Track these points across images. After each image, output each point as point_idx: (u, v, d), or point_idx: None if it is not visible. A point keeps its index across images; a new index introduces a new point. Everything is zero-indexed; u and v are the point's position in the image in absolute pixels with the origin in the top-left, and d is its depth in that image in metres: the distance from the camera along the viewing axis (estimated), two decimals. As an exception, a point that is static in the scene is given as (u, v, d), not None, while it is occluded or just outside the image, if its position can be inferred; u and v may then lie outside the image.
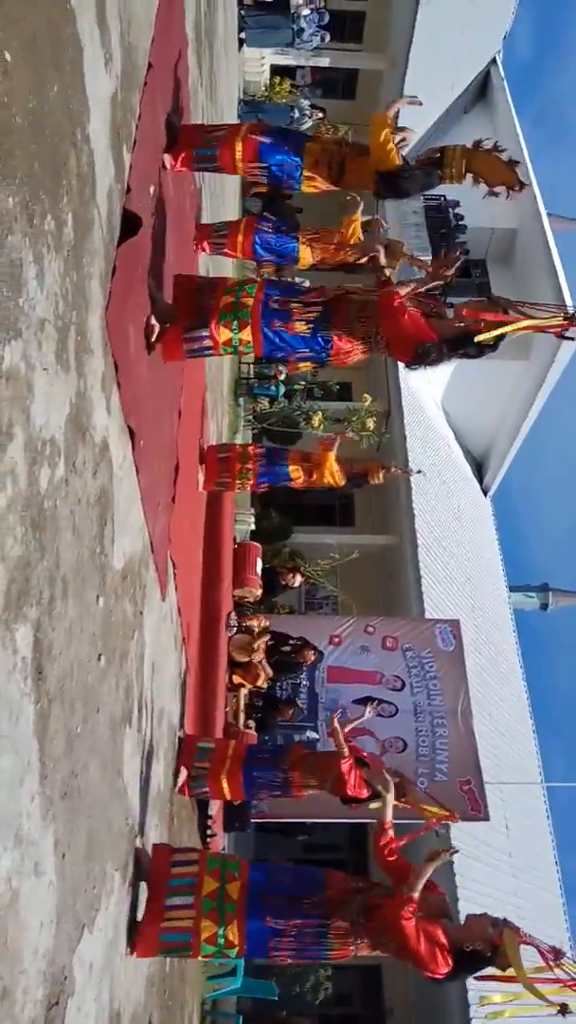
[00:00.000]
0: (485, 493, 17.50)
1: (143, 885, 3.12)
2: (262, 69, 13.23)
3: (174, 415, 4.31)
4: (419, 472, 6.77)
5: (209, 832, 5.75)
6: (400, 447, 13.53)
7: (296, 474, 5.75)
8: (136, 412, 2.86)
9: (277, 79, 11.88)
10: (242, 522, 10.07)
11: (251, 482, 5.74)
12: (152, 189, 3.10)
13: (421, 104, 4.08)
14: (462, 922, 3.07)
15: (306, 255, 4.40)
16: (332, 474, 5.85)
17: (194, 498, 5.48)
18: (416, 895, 2.92)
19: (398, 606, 12.36)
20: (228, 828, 6.61)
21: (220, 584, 6.31)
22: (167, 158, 3.65)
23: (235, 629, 6.93)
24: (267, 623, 7.29)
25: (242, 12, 9.76)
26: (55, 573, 1.89)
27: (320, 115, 12.29)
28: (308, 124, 12.32)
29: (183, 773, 4.28)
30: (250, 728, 6.67)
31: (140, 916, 3.05)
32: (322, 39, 10.77)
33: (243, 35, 9.93)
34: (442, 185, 3.85)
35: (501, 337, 3.39)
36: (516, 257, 15.96)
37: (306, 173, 3.71)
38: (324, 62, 12.05)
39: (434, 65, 14.34)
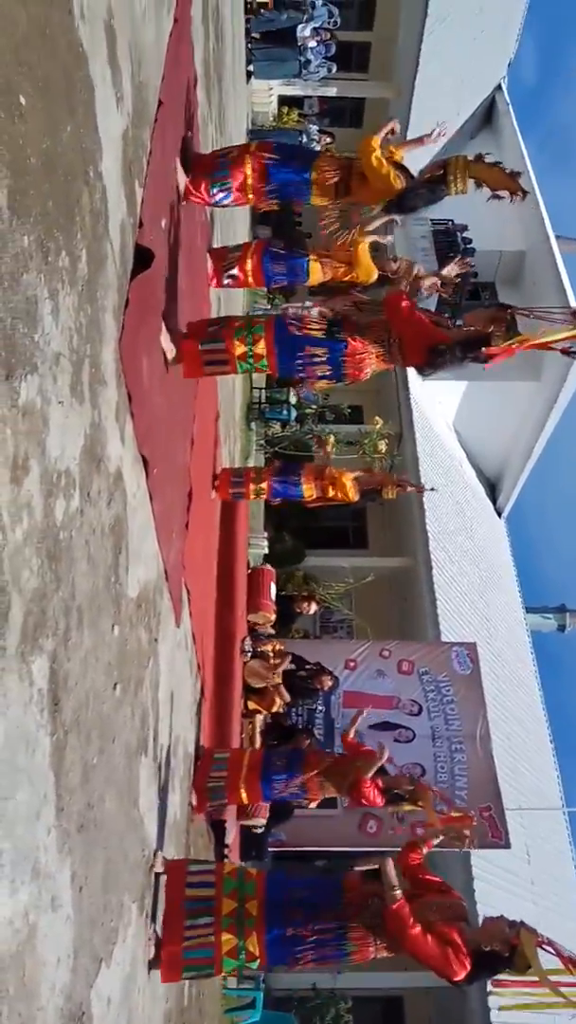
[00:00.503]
0: (499, 514, 17.43)
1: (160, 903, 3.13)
2: (270, 100, 13.46)
3: (187, 442, 4.34)
4: (432, 489, 6.71)
5: (227, 861, 5.70)
6: (412, 469, 13.52)
7: (309, 491, 5.73)
8: (150, 441, 2.89)
9: (285, 109, 12.09)
10: (255, 546, 10.07)
11: (265, 495, 5.79)
12: (164, 222, 3.15)
13: (395, 133, 4.09)
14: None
15: (316, 271, 4.46)
16: (346, 490, 5.82)
17: (208, 523, 5.50)
18: (398, 895, 2.98)
19: (413, 629, 12.28)
20: (245, 857, 6.54)
21: (234, 609, 6.30)
22: (182, 180, 3.75)
23: (250, 654, 6.91)
24: (283, 647, 7.26)
25: (249, 45, 9.96)
26: (70, 603, 1.90)
27: (329, 140, 12.48)
28: (316, 149, 12.50)
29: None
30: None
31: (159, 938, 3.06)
32: (329, 70, 10.95)
33: (251, 67, 10.12)
34: (449, 197, 3.87)
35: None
36: (525, 279, 16.03)
37: (315, 189, 3.80)
38: (331, 91, 12.26)
39: (440, 92, 14.55)
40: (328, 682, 7.55)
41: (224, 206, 4.12)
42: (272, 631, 7.90)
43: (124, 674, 2.52)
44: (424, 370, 3.56)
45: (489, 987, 7.56)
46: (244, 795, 4.41)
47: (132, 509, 2.65)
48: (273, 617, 7.74)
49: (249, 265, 4.29)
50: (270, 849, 7.23)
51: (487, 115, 17.60)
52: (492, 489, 17.38)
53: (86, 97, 2.02)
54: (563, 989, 2.80)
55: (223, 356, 3.54)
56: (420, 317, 3.43)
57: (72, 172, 1.89)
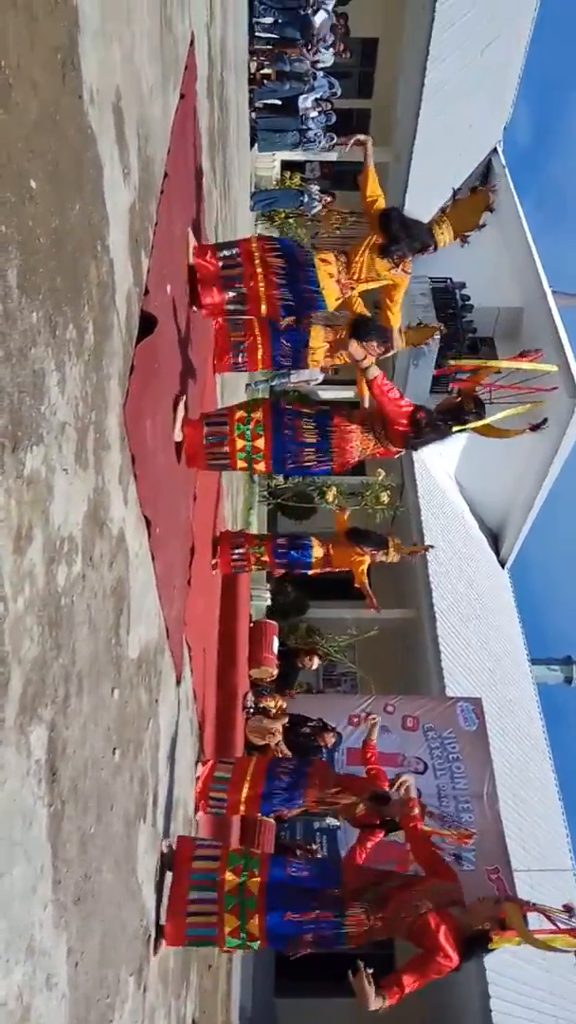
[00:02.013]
0: (502, 565, 17.38)
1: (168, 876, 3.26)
2: (273, 165, 13.91)
3: (189, 498, 4.37)
4: (430, 547, 6.55)
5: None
6: (414, 520, 13.55)
7: (317, 565, 5.44)
8: (152, 501, 2.91)
9: (288, 173, 12.48)
10: (258, 598, 10.03)
11: (269, 567, 5.61)
12: (168, 288, 3.23)
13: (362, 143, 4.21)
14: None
15: (318, 338, 4.54)
16: (360, 573, 5.43)
17: (210, 578, 5.49)
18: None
19: (417, 682, 12.14)
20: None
21: (236, 665, 6.25)
22: (200, 297, 3.95)
23: (252, 710, 6.82)
24: (284, 704, 7.17)
25: (253, 115, 10.33)
26: (70, 670, 1.89)
27: (329, 199, 12.84)
28: (317, 208, 12.85)
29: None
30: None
31: (164, 908, 3.19)
32: (329, 139, 11.34)
33: (255, 139, 10.48)
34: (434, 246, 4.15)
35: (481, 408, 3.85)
36: (523, 334, 16.29)
37: (323, 285, 3.90)
38: (332, 156, 12.67)
39: (438, 156, 15.03)
40: (331, 739, 7.43)
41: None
42: (274, 685, 7.82)
43: (123, 738, 2.50)
44: (409, 440, 3.78)
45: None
46: (243, 811, 4.43)
47: (134, 569, 2.66)
48: (275, 672, 7.66)
49: (260, 354, 4.39)
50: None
51: (484, 176, 18.13)
52: (495, 540, 17.37)
53: (94, 175, 2.10)
54: (553, 938, 2.90)
55: (224, 448, 3.88)
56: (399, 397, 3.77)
57: (80, 247, 1.95)
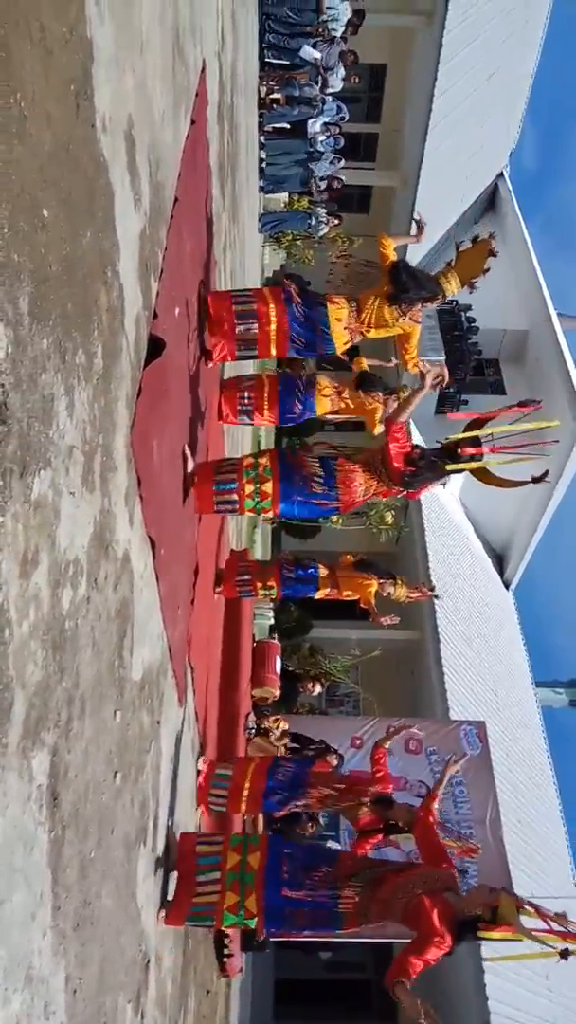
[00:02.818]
0: (507, 586, 17.32)
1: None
2: (281, 187, 14.06)
3: (194, 519, 4.38)
4: (437, 596, 6.29)
5: (226, 952, 5.47)
6: (419, 540, 13.54)
7: (323, 592, 5.33)
8: (158, 522, 2.92)
9: (295, 196, 12.59)
10: (261, 617, 10.00)
11: (275, 595, 5.51)
12: (177, 311, 3.26)
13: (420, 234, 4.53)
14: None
15: (324, 406, 4.64)
16: (368, 595, 5.37)
17: (213, 597, 5.48)
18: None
19: (421, 704, 12.07)
20: (246, 948, 6.27)
21: (239, 686, 6.22)
22: (209, 344, 4.13)
23: (253, 731, 6.78)
24: (287, 725, 7.12)
25: (262, 139, 10.45)
26: (73, 693, 1.89)
27: (336, 222, 12.94)
28: (324, 230, 12.95)
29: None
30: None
31: (172, 894, 3.31)
32: (336, 161, 11.46)
33: (263, 164, 10.60)
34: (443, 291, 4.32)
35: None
36: (528, 356, 16.38)
37: (332, 328, 4.11)
38: (341, 176, 12.82)
39: (444, 180, 15.18)
40: (333, 761, 7.36)
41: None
42: (276, 705, 7.78)
43: (125, 761, 2.49)
44: (406, 479, 3.97)
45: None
46: (244, 810, 4.41)
47: (138, 590, 2.66)
48: (278, 693, 7.62)
49: (267, 414, 4.52)
50: (272, 939, 6.93)
51: (490, 201, 18.31)
52: (499, 561, 17.33)
53: (106, 203, 2.12)
54: (545, 936, 3.00)
55: (233, 495, 4.07)
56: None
57: (91, 274, 1.97)
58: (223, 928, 3.51)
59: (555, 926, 3.04)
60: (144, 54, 2.60)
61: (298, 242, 13.43)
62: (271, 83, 10.43)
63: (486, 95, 15.25)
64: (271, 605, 10.26)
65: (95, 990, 2.15)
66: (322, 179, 11.50)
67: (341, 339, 4.18)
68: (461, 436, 4.05)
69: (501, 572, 17.24)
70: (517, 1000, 9.30)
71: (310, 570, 5.15)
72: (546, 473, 4.14)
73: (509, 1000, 9.07)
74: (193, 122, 3.79)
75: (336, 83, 10.93)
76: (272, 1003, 11.52)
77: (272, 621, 10.70)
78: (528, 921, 3.03)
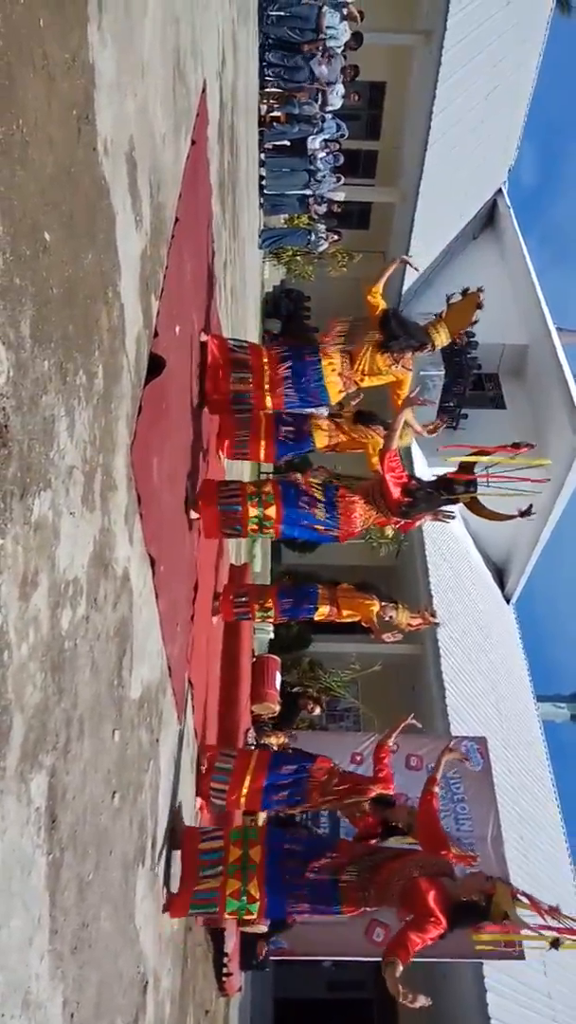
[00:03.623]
0: (507, 600, 17.30)
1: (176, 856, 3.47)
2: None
3: (194, 535, 4.38)
4: (437, 624, 6.26)
5: (225, 971, 5.42)
6: (419, 554, 13.53)
7: (323, 613, 5.23)
8: (157, 540, 2.92)
9: (295, 213, 12.69)
10: (261, 630, 9.97)
11: (273, 618, 5.46)
12: (177, 329, 3.27)
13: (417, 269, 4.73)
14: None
15: (321, 438, 4.68)
16: (369, 613, 5.24)
17: (212, 616, 5.46)
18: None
19: (422, 719, 11.96)
20: (245, 967, 6.21)
21: (238, 701, 6.20)
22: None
23: (253, 747, 6.75)
24: (286, 740, 7.09)
25: (262, 156, 10.55)
26: (72, 714, 1.88)
27: (336, 238, 13.04)
28: (324, 246, 13.04)
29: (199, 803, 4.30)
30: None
31: (176, 887, 3.38)
32: (336, 180, 11.56)
33: (263, 183, 10.68)
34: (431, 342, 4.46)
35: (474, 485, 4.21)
36: (528, 370, 16.44)
37: (327, 379, 4.24)
38: (339, 198, 12.93)
39: (443, 197, 15.28)
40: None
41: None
42: (275, 722, 7.74)
43: (123, 780, 2.47)
44: (403, 509, 4.10)
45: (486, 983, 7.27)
46: (244, 805, 4.43)
47: (137, 608, 2.66)
48: (278, 708, 7.58)
49: (262, 452, 4.58)
50: (271, 958, 6.88)
51: (489, 217, 18.43)
52: (500, 575, 17.31)
53: (107, 225, 2.14)
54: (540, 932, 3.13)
55: (237, 516, 4.21)
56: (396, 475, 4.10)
57: (92, 295, 1.98)
58: (226, 915, 3.52)
59: (551, 921, 3.17)
60: (145, 77, 2.62)
61: (298, 258, 13.51)
62: (271, 101, 10.54)
63: (485, 112, 15.39)
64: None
65: (93, 1014, 2.13)
66: (322, 200, 11.59)
67: (335, 388, 4.32)
68: (456, 470, 4.27)
69: (502, 586, 17.21)
70: (520, 1020, 9.21)
71: (309, 604, 5.11)
72: (531, 507, 4.31)
73: (511, 1020, 8.97)
74: (194, 142, 3.83)
75: (336, 101, 11.04)
76: (272, 1023, 11.39)
77: (272, 636, 10.67)
78: (523, 915, 3.13)
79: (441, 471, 4.54)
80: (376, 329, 4.23)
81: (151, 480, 2.83)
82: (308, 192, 11.14)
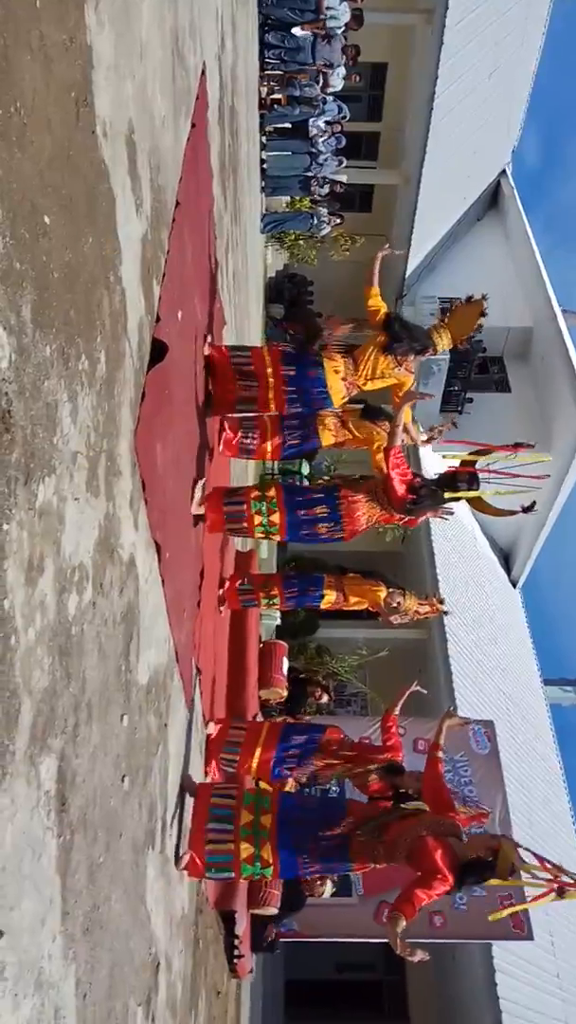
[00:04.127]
0: (514, 584, 17.28)
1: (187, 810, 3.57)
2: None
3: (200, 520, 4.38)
4: (446, 612, 6.16)
5: (236, 953, 5.47)
6: (425, 539, 13.52)
7: (329, 601, 5.10)
8: (163, 526, 2.92)
9: (297, 197, 12.60)
10: (268, 617, 9.99)
11: (279, 605, 5.42)
12: (179, 314, 3.26)
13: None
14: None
15: (328, 438, 4.68)
16: (377, 599, 5.16)
17: (218, 604, 5.47)
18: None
19: (429, 704, 12.02)
20: (256, 949, 6.27)
21: (245, 687, 6.22)
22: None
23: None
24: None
25: (263, 139, 10.46)
26: (80, 698, 1.89)
27: (338, 221, 12.95)
28: (327, 230, 12.96)
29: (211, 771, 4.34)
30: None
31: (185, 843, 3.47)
32: (339, 163, 11.46)
33: (265, 165, 10.60)
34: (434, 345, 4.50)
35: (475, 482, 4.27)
36: (533, 353, 16.34)
37: (329, 384, 4.24)
38: (341, 179, 12.82)
39: (446, 178, 15.14)
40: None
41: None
42: (282, 706, 7.76)
43: (133, 764, 2.49)
44: (407, 506, 4.17)
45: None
46: (255, 771, 4.47)
47: (144, 595, 2.67)
48: (285, 693, 7.61)
49: (269, 451, 4.59)
50: (282, 940, 6.94)
51: (493, 198, 18.27)
52: (506, 559, 17.29)
53: (107, 208, 2.13)
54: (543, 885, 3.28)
55: (243, 524, 4.30)
56: (400, 472, 4.17)
57: (93, 279, 1.98)
58: (242, 878, 3.71)
59: (550, 874, 3.33)
60: (144, 59, 2.60)
61: (300, 242, 13.42)
62: (272, 83, 10.44)
63: (488, 92, 15.22)
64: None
65: (105, 994, 2.16)
66: (324, 181, 11.51)
67: (339, 393, 4.33)
68: (459, 467, 4.35)
69: (508, 570, 17.20)
70: (528, 1000, 9.28)
71: (315, 592, 5.08)
72: (534, 504, 4.37)
73: (520, 1000, 9.05)
74: (194, 125, 3.79)
75: (337, 82, 10.93)
76: (283, 1004, 11.52)
77: (279, 621, 10.70)
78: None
79: (450, 458, 4.57)
80: (379, 332, 4.25)
81: (155, 466, 2.83)
82: (310, 174, 11.05)
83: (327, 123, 11.17)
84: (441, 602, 5.18)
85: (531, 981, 9.48)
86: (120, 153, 2.28)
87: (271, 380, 4.26)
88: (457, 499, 4.29)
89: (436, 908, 7.21)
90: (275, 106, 10.79)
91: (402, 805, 4.09)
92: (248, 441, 4.55)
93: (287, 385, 4.24)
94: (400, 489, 4.10)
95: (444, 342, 4.36)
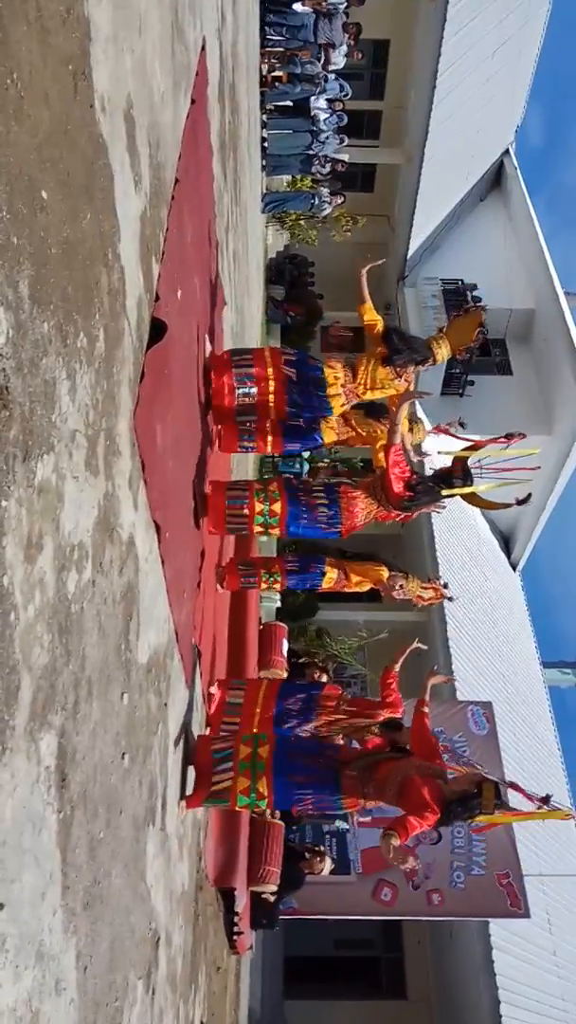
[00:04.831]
0: (514, 567, 17.32)
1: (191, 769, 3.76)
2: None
3: (201, 502, 4.38)
4: (450, 597, 6.09)
5: (236, 930, 5.54)
6: (425, 522, 13.52)
7: (329, 581, 5.11)
8: (162, 506, 2.92)
9: (299, 176, 12.48)
10: (268, 599, 10.02)
11: (280, 586, 5.39)
12: (179, 293, 3.24)
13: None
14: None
15: (330, 435, 4.69)
16: (380, 579, 5.16)
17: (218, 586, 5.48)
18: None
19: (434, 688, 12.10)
20: (256, 925, 6.35)
21: (245, 668, 6.25)
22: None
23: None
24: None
25: (264, 118, 10.34)
26: (80, 676, 1.90)
27: (340, 200, 12.84)
28: (328, 209, 12.85)
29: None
30: (277, 818, 6.47)
31: (190, 787, 3.67)
32: (340, 142, 11.34)
33: (265, 144, 10.49)
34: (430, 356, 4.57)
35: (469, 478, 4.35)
36: (535, 335, 16.25)
37: (330, 392, 4.32)
38: (343, 158, 12.69)
39: (449, 158, 15.00)
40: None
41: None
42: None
43: (133, 742, 2.51)
44: (404, 503, 4.30)
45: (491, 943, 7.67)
46: (256, 730, 4.53)
47: (144, 574, 2.67)
48: (285, 675, 7.64)
49: (269, 447, 4.61)
50: (281, 917, 7.02)
51: (496, 178, 18.10)
52: (506, 543, 17.31)
53: (105, 184, 2.11)
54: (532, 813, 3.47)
55: (244, 512, 4.38)
56: (400, 470, 4.29)
57: (91, 256, 1.96)
58: (237, 807, 3.86)
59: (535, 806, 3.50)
60: (143, 33, 2.57)
61: (301, 222, 13.31)
62: (272, 60, 10.31)
63: (491, 70, 15.03)
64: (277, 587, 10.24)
65: (106, 967, 2.19)
66: (326, 160, 11.40)
67: (338, 401, 4.40)
68: (452, 464, 4.44)
69: (508, 553, 17.23)
70: (525, 977, 9.41)
71: (316, 573, 5.07)
72: (529, 496, 4.49)
73: (517, 977, 9.17)
74: (193, 101, 3.75)
75: (339, 60, 10.78)
76: (282, 980, 11.68)
77: (279, 604, 10.73)
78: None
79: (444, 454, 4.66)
80: (379, 343, 4.33)
81: (155, 447, 2.82)
82: (311, 152, 10.94)
83: (328, 101, 11.04)
84: (445, 586, 5.19)
85: (528, 958, 9.60)
86: (119, 128, 2.26)
87: (272, 380, 4.33)
88: (452, 495, 4.42)
89: (435, 886, 7.30)
90: (276, 84, 10.67)
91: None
92: (248, 444, 4.61)
93: (288, 391, 4.32)
94: (397, 487, 4.23)
95: (443, 352, 4.44)
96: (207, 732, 4.35)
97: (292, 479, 4.62)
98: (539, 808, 3.49)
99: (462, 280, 15.66)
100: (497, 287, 15.52)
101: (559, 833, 12.80)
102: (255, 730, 4.40)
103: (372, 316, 4.38)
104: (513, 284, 15.87)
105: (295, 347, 13.51)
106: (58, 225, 1.70)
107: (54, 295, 1.66)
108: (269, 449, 4.66)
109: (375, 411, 4.96)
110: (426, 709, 4.00)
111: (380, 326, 4.36)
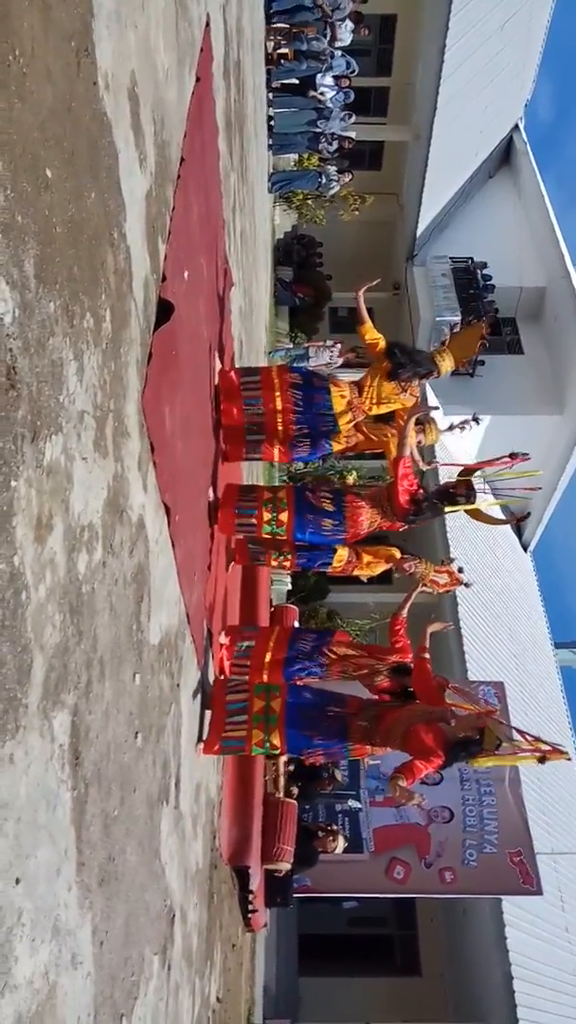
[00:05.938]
0: (525, 548, 17.27)
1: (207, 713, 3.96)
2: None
3: (209, 485, 4.38)
4: (467, 584, 6.00)
5: (251, 908, 5.61)
6: (436, 504, 13.47)
7: (339, 561, 4.97)
8: (172, 488, 2.92)
9: (306, 155, 12.35)
10: (278, 582, 10.04)
11: (289, 566, 5.37)
12: (186, 274, 3.22)
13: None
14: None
15: (342, 410, 4.66)
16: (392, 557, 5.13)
17: (227, 569, 5.49)
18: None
19: (439, 666, 12.08)
20: (270, 904, 6.42)
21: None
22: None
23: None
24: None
25: (270, 96, 10.23)
26: (92, 656, 1.92)
27: (348, 179, 12.70)
28: (336, 188, 12.72)
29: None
30: (291, 797, 6.52)
31: (206, 732, 3.87)
32: (347, 118, 11.20)
33: (272, 122, 10.37)
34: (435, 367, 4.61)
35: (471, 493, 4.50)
36: (546, 314, 16.09)
37: (336, 409, 4.40)
38: (351, 135, 12.53)
39: (458, 134, 14.80)
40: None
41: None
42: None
43: (145, 722, 2.53)
44: (409, 516, 4.39)
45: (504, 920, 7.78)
46: (266, 675, 4.58)
47: (154, 556, 2.68)
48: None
49: (276, 455, 4.65)
50: (295, 895, 7.09)
51: (505, 154, 17.85)
52: (517, 523, 17.24)
53: (110, 163, 2.09)
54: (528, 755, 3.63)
55: (252, 522, 4.49)
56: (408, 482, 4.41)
57: (97, 235, 1.95)
58: (252, 754, 4.13)
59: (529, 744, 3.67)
60: (146, 9, 2.53)
61: (309, 201, 13.19)
62: (278, 38, 10.18)
63: (500, 44, 14.77)
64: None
65: (121, 942, 2.22)
66: (333, 138, 11.27)
67: (345, 419, 4.49)
68: (457, 483, 4.57)
69: (519, 534, 17.17)
70: (538, 954, 9.48)
71: (326, 552, 5.07)
72: (528, 515, 4.78)
73: (530, 953, 9.25)
74: (198, 79, 3.71)
75: (345, 36, 10.65)
76: (297, 956, 11.82)
77: (289, 586, 10.76)
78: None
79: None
80: (383, 359, 4.40)
81: (164, 428, 2.82)
82: (318, 130, 10.81)
83: (335, 78, 10.90)
84: (460, 570, 5.20)
85: (540, 935, 9.67)
86: (123, 106, 2.23)
87: (278, 398, 4.42)
88: (456, 511, 4.54)
89: (447, 864, 7.35)
90: (282, 61, 10.54)
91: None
92: (255, 455, 4.69)
93: (295, 418, 4.42)
94: (403, 499, 4.32)
95: (447, 365, 4.50)
96: (221, 677, 4.42)
97: (302, 487, 4.74)
98: (534, 747, 3.66)
99: (472, 258, 15.49)
100: (507, 265, 15.36)
101: (572, 811, 12.84)
102: (265, 678, 4.48)
103: (373, 336, 4.46)
104: (524, 262, 15.69)
105: (304, 329, 13.42)
106: (63, 204, 1.69)
107: (60, 275, 1.65)
108: (277, 458, 4.71)
109: (385, 417, 4.99)
110: (426, 655, 4.18)
111: (382, 343, 4.44)
